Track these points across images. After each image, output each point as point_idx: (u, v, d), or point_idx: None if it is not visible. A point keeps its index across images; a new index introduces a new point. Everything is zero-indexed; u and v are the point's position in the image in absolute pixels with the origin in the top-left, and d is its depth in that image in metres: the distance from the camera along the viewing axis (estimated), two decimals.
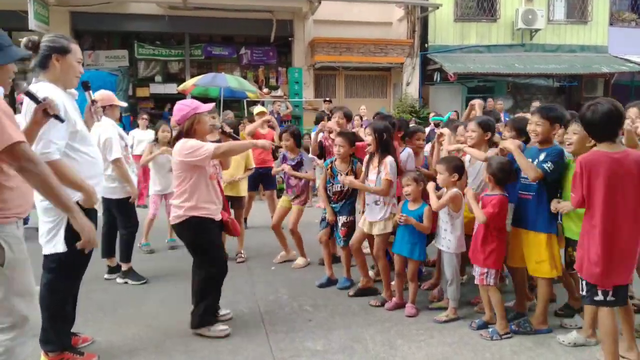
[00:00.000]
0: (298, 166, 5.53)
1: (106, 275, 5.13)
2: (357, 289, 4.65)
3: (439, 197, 4.02)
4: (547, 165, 3.60)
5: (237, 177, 5.81)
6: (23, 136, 2.25)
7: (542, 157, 3.67)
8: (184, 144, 3.64)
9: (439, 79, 14.16)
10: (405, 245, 4.13)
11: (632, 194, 2.95)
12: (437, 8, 13.59)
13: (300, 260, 5.60)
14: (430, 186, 4.06)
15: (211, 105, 4.25)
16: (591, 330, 3.61)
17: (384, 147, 4.30)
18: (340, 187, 4.73)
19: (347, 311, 4.27)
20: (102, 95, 4.84)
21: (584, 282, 3.14)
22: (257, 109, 8.27)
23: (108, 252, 5.14)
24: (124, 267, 5.06)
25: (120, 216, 5.02)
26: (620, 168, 2.94)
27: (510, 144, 3.79)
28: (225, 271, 3.93)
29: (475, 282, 3.84)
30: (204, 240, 3.78)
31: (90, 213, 3.10)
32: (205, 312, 3.83)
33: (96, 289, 4.80)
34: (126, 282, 5.00)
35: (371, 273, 4.90)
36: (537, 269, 3.77)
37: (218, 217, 3.88)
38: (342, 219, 4.77)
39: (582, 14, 14.98)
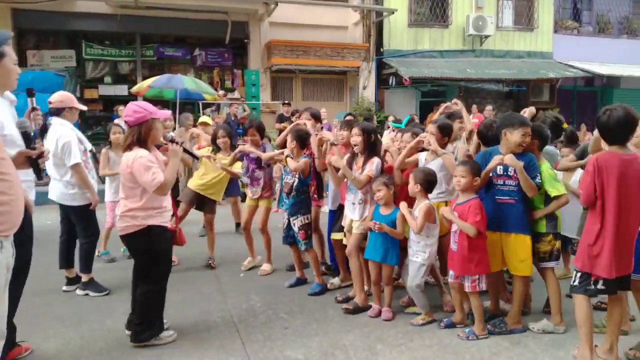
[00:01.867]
0: (259, 159, 5.34)
1: (65, 287, 4.83)
2: (347, 295, 4.50)
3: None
4: (538, 181, 3.70)
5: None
6: None
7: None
8: (139, 159, 3.45)
9: (394, 83, 14.36)
10: (379, 251, 4.08)
11: (636, 193, 3.12)
12: (392, 13, 13.80)
13: (266, 266, 5.45)
14: (404, 207, 4.00)
15: (169, 112, 4.09)
16: (559, 318, 3.82)
17: (372, 147, 4.28)
18: (290, 179, 4.75)
19: (323, 317, 4.20)
20: (62, 97, 4.59)
21: (578, 274, 3.27)
22: (201, 119, 8.00)
23: (67, 263, 4.85)
24: (85, 278, 4.77)
25: (80, 224, 4.74)
26: (629, 169, 3.11)
27: (513, 161, 3.67)
28: (167, 281, 3.79)
29: (467, 290, 3.80)
30: (160, 250, 3.64)
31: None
32: (153, 326, 3.68)
33: (55, 302, 4.54)
34: (87, 294, 4.71)
35: (337, 280, 4.90)
36: (520, 267, 3.83)
37: (170, 225, 3.76)
38: (297, 222, 4.71)
39: (528, 21, 15.60)
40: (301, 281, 4.99)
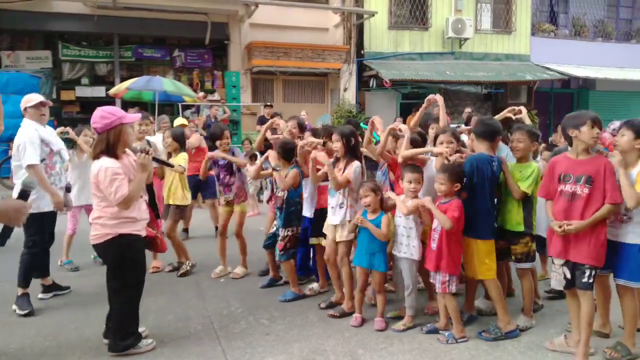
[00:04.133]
0: (230, 165, 5.31)
1: (40, 295, 4.72)
2: (330, 302, 4.53)
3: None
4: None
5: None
6: None
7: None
8: (104, 170, 3.36)
9: (374, 85, 14.41)
10: (365, 256, 4.08)
11: None
12: (373, 15, 13.86)
13: (239, 270, 5.41)
14: (392, 194, 4.03)
15: (139, 115, 4.04)
16: (532, 313, 4.16)
17: (352, 151, 4.28)
18: (281, 193, 4.74)
19: (304, 323, 4.19)
20: (23, 99, 4.48)
21: (593, 271, 3.41)
22: (177, 120, 7.81)
23: (41, 272, 4.72)
24: (19, 292, 4.41)
25: (26, 233, 4.42)
26: None
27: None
28: (142, 290, 3.71)
29: (437, 291, 3.85)
30: (131, 259, 3.57)
31: None
32: (131, 336, 3.61)
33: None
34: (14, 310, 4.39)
35: (316, 285, 4.91)
36: (484, 272, 3.90)
37: (144, 233, 3.70)
38: (282, 232, 4.70)
39: (506, 24, 15.81)
40: (274, 281, 5.07)
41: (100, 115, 3.43)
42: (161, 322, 4.18)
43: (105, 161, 3.41)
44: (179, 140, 5.67)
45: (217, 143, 5.28)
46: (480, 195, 3.82)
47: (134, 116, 3.68)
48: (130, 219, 3.51)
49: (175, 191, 5.59)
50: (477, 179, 3.80)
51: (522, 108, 4.69)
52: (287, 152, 4.69)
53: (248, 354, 3.64)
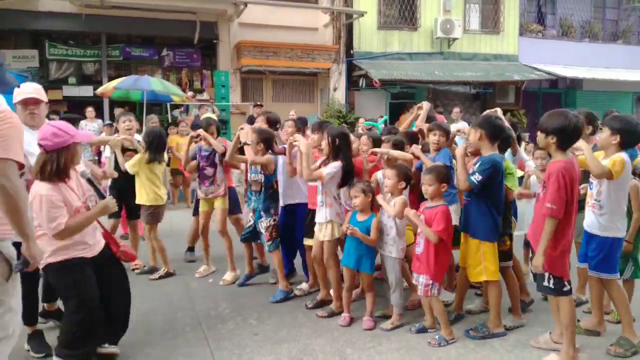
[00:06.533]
0: (213, 156, 5.25)
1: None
2: (316, 301, 4.53)
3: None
4: (475, 177, 3.68)
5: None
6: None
7: (475, 166, 3.77)
8: (39, 198, 3.02)
9: (364, 84, 14.43)
10: (352, 257, 4.08)
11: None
12: (362, 15, 13.86)
13: (228, 276, 5.22)
14: (380, 198, 4.04)
15: (91, 135, 3.96)
16: (519, 313, 4.16)
17: (336, 152, 4.25)
18: (257, 177, 4.73)
19: (293, 323, 4.19)
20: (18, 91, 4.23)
21: (552, 278, 3.36)
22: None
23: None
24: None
25: None
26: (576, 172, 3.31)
27: (458, 150, 3.88)
28: (96, 315, 3.30)
29: (419, 294, 3.86)
30: (70, 283, 3.23)
31: None
32: (71, 349, 3.23)
33: None
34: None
35: (305, 285, 4.91)
36: (472, 274, 3.93)
37: (91, 253, 3.32)
38: (264, 223, 4.70)
39: (494, 25, 15.90)
40: (250, 277, 5.12)
41: (53, 133, 3.04)
42: (149, 323, 4.17)
43: (40, 187, 3.06)
44: (151, 140, 5.30)
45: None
46: (494, 196, 3.78)
47: (86, 135, 3.49)
48: (70, 243, 3.19)
49: (140, 190, 5.34)
50: (496, 180, 3.72)
51: (498, 109, 4.69)
52: (267, 141, 4.68)
53: (236, 354, 3.64)
